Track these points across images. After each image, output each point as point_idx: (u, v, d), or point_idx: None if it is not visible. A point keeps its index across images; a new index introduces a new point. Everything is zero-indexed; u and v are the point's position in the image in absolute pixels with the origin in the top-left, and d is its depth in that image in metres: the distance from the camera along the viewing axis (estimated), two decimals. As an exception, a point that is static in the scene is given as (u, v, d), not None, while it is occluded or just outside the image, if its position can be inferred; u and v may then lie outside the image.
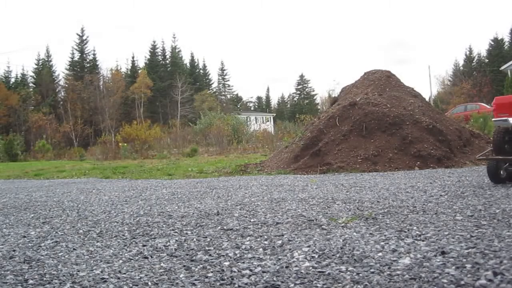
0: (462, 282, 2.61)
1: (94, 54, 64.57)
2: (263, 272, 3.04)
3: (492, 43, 57.16)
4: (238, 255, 3.53)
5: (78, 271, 3.27)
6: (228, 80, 79.97)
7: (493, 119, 7.90)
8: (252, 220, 5.18)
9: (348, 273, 2.92)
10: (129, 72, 67.39)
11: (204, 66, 77.35)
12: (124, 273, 3.16)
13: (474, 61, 59.74)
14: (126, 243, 4.23)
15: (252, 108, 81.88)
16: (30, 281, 3.06)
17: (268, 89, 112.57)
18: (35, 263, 3.57)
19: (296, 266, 3.15)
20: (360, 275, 2.87)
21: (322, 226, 4.58)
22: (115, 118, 54.33)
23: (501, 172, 7.64)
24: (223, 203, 6.87)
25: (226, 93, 79.67)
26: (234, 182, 10.57)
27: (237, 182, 10.53)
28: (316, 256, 3.38)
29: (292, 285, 2.76)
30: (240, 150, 26.69)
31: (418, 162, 11.74)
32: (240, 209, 6.12)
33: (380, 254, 3.34)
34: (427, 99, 19.18)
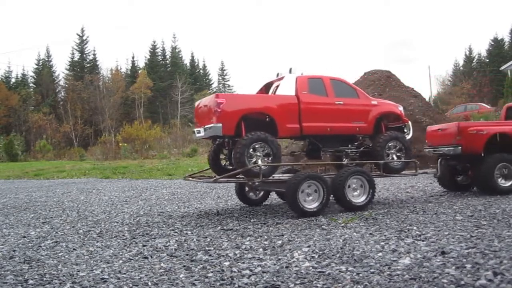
0: (462, 282, 2.61)
1: (94, 54, 64.49)
2: (263, 272, 3.04)
3: (492, 43, 57.08)
4: (238, 255, 3.53)
5: (78, 271, 3.28)
6: (228, 80, 79.79)
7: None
8: (252, 220, 5.19)
9: (348, 273, 2.92)
10: (129, 72, 67.28)
11: (204, 66, 77.29)
12: (124, 273, 3.17)
13: (474, 61, 59.63)
14: (126, 243, 4.24)
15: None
16: (30, 281, 3.06)
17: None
18: (35, 263, 3.57)
19: (296, 266, 3.15)
20: (360, 275, 2.87)
21: (322, 226, 4.59)
22: (115, 118, 54.25)
23: (252, 193, 6.52)
24: (223, 203, 6.87)
25: (226, 93, 79.80)
26: (234, 182, 10.57)
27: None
28: (316, 256, 3.38)
29: (292, 285, 2.76)
30: (240, 150, 26.62)
31: (418, 162, 11.77)
32: (240, 209, 6.12)
33: (380, 254, 3.35)
34: (427, 99, 19.26)
